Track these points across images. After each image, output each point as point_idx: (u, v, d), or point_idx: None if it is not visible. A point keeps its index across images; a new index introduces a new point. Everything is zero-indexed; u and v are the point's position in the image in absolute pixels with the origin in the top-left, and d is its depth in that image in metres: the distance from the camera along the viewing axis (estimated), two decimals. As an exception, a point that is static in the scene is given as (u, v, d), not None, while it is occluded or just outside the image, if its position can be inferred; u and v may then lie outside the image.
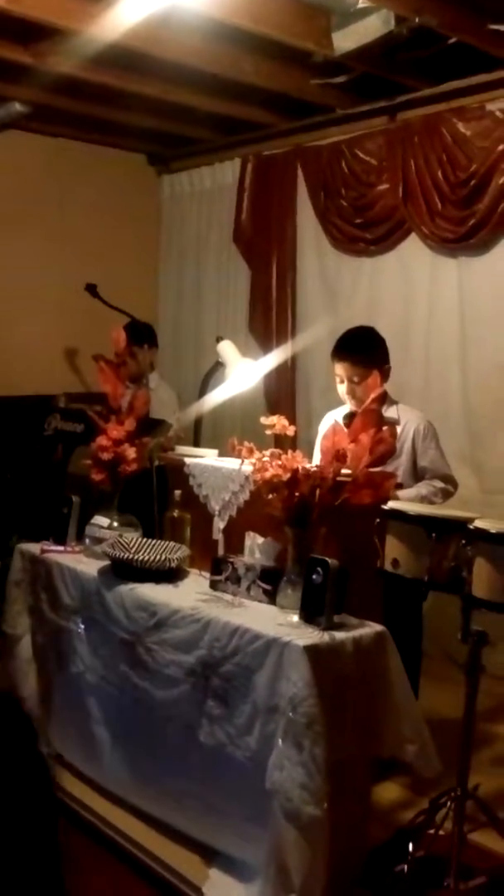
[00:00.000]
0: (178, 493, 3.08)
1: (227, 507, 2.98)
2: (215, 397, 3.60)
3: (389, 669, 2.49)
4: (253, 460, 2.66)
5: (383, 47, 3.73)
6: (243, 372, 3.55)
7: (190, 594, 2.76)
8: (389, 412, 3.41)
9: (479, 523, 2.33)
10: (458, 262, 4.45)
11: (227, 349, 3.59)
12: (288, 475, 2.56)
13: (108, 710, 2.97)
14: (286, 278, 5.29)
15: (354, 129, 4.84)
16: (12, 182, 5.33)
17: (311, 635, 2.37)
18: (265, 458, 2.63)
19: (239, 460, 2.75)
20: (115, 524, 3.16)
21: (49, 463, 4.38)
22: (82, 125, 5.36)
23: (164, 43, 3.83)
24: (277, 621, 2.48)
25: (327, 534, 2.60)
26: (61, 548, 3.24)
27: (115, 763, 2.96)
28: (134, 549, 2.95)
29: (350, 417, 3.17)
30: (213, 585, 2.78)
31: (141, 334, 4.35)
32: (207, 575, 2.83)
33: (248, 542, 2.81)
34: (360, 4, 3.52)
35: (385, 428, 2.65)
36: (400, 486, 3.20)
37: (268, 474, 2.59)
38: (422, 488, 3.35)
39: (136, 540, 3.01)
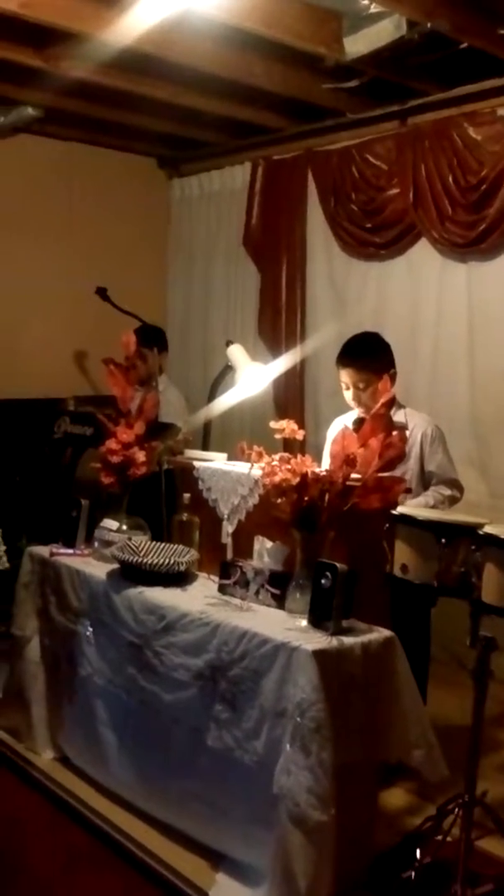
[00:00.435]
0: (186, 496, 3.08)
1: (235, 511, 2.99)
2: (224, 401, 3.60)
3: (397, 674, 2.49)
4: (262, 464, 2.66)
5: (394, 51, 3.72)
6: (252, 376, 3.55)
7: (198, 598, 2.76)
8: (397, 416, 3.41)
9: (488, 528, 2.32)
10: (467, 266, 4.44)
11: (236, 353, 3.59)
12: (297, 479, 2.56)
13: (116, 712, 2.97)
14: (295, 282, 5.29)
15: (365, 133, 4.84)
16: (23, 185, 5.35)
17: (320, 640, 2.37)
18: (274, 462, 2.63)
19: (248, 464, 2.75)
20: (124, 527, 3.17)
21: (58, 466, 4.39)
22: (93, 128, 5.38)
23: (175, 47, 3.84)
24: (286, 626, 2.49)
25: (336, 538, 2.59)
26: (70, 550, 3.25)
27: (121, 766, 2.96)
28: (143, 552, 2.95)
29: (359, 423, 3.17)
30: (222, 589, 2.78)
31: (150, 338, 4.36)
32: (216, 579, 2.83)
33: (256, 546, 2.81)
34: (372, 9, 3.53)
35: (395, 433, 2.65)
36: (409, 491, 3.19)
37: (277, 478, 2.59)
38: (429, 498, 3.34)
39: (145, 543, 3.02)
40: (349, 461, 2.55)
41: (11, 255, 5.31)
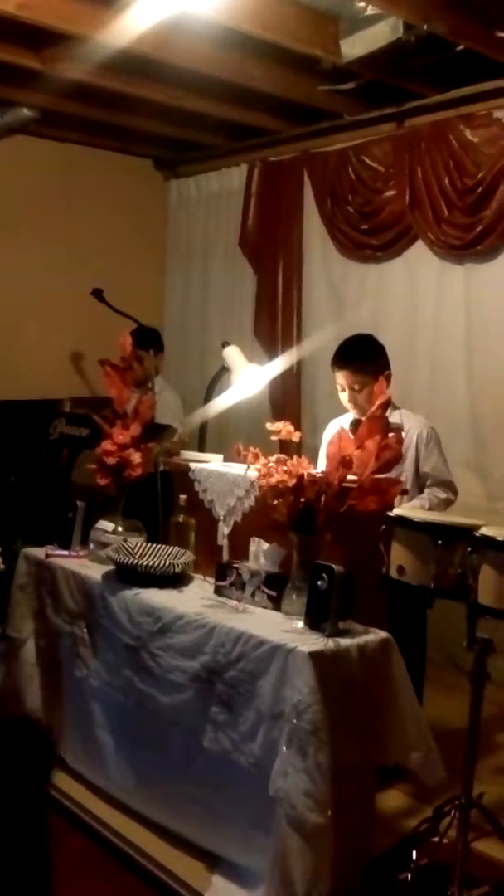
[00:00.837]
0: (182, 498, 3.08)
1: (232, 513, 2.99)
2: (221, 402, 3.60)
3: (394, 676, 2.49)
4: (258, 466, 2.66)
5: (391, 54, 3.73)
6: (249, 377, 3.55)
7: (194, 599, 2.76)
8: (393, 418, 3.40)
9: (485, 531, 2.33)
10: (464, 268, 4.45)
11: (232, 354, 3.59)
12: (293, 481, 2.56)
13: (112, 714, 2.96)
14: (292, 284, 5.30)
15: (362, 135, 4.85)
16: (20, 186, 5.35)
17: (316, 642, 2.37)
18: (271, 464, 2.63)
19: (244, 466, 2.75)
20: (120, 529, 3.17)
21: (54, 467, 4.39)
22: (90, 130, 5.38)
23: (173, 49, 3.84)
24: (282, 627, 2.48)
25: (332, 540, 2.59)
26: (66, 552, 3.24)
27: (118, 768, 2.95)
28: (138, 553, 2.95)
29: (356, 424, 3.17)
30: (218, 591, 2.78)
31: (147, 339, 4.36)
32: (212, 580, 2.83)
33: (252, 548, 2.80)
34: (369, 11, 3.53)
35: (391, 434, 2.64)
36: (405, 493, 3.20)
37: (273, 480, 2.59)
38: (424, 501, 3.34)
39: (141, 545, 3.01)
40: (345, 463, 2.55)
41: (8, 255, 5.31)
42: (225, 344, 3.68)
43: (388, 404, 3.23)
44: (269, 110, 4.81)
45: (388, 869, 2.56)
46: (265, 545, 2.76)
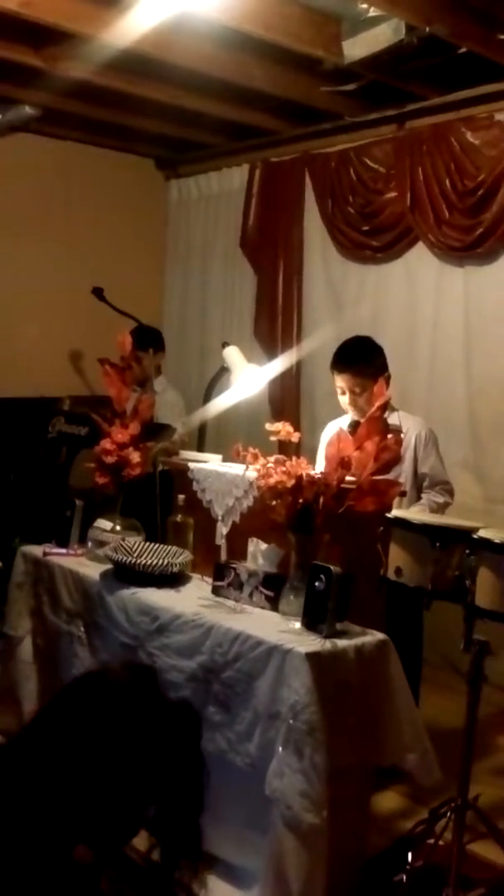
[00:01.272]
0: (181, 497, 3.08)
1: (230, 513, 2.98)
2: (220, 402, 3.60)
3: (391, 678, 2.49)
4: (257, 466, 2.66)
5: (393, 55, 3.73)
6: (248, 377, 3.55)
7: (192, 599, 2.76)
8: (391, 419, 3.40)
9: (483, 533, 2.33)
10: (464, 270, 4.45)
11: (232, 354, 3.59)
12: (292, 481, 2.56)
13: (109, 714, 2.96)
14: (292, 284, 5.30)
15: (363, 136, 4.86)
16: (20, 184, 5.35)
17: (313, 642, 2.37)
18: (269, 464, 2.63)
19: (243, 466, 2.75)
20: (118, 528, 3.16)
21: (53, 465, 4.38)
22: (91, 129, 5.38)
23: (174, 49, 3.85)
24: (279, 628, 2.48)
25: (331, 541, 2.59)
26: (64, 551, 3.24)
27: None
28: (136, 553, 2.95)
29: (355, 426, 3.17)
30: (216, 591, 2.78)
31: (147, 339, 4.35)
32: (210, 580, 2.83)
33: (250, 548, 2.80)
34: (371, 13, 3.53)
35: (390, 436, 2.65)
36: (403, 494, 3.20)
37: (272, 480, 2.59)
38: (423, 507, 3.34)
39: (139, 544, 3.01)
40: (344, 464, 2.55)
41: (8, 254, 5.31)
42: (224, 344, 3.68)
43: (386, 406, 3.25)
44: (270, 111, 4.82)
45: (384, 870, 2.56)
46: (263, 545, 2.76)
